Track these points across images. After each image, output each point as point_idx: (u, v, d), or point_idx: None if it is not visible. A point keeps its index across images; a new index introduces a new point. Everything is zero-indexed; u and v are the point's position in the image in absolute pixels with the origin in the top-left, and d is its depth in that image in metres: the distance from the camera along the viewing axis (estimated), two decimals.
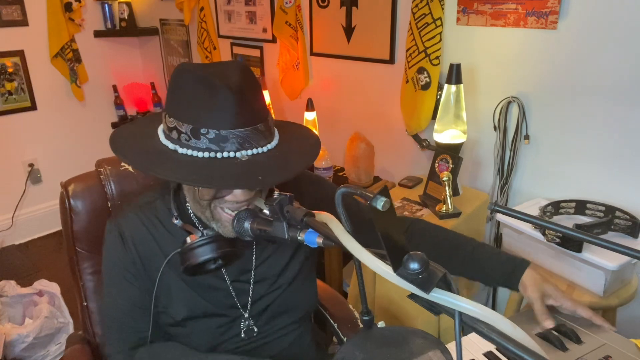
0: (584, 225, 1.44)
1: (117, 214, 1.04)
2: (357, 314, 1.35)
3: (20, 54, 3.13)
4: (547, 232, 1.44)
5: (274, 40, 2.69)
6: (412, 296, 0.55)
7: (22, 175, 3.30)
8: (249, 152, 0.84)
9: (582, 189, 1.67)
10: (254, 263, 1.06)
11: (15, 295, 2.27)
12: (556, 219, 1.59)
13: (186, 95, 0.85)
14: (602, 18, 1.49)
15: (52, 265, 3.02)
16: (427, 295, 0.53)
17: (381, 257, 0.56)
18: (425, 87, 1.94)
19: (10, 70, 3.10)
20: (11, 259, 3.11)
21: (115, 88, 3.65)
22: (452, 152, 1.74)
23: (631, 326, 1.62)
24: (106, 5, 3.47)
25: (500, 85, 1.79)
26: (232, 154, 0.83)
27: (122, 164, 1.25)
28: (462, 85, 1.69)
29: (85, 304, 1.25)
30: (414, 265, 0.52)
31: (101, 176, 1.22)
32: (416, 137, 2.08)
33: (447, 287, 0.54)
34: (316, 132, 2.27)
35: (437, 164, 1.77)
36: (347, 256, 2.25)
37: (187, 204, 1.00)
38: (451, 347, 0.69)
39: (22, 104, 3.20)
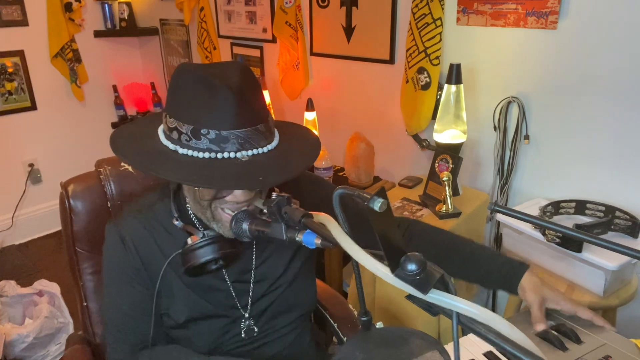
0: (584, 225, 1.44)
1: (117, 217, 1.04)
2: (357, 314, 1.34)
3: (20, 54, 3.13)
4: (547, 232, 1.44)
5: (274, 40, 2.69)
6: (410, 297, 0.55)
7: (22, 175, 3.30)
8: (250, 152, 0.84)
9: (582, 189, 1.66)
10: (254, 263, 1.06)
11: (15, 295, 2.27)
12: (556, 219, 1.59)
13: (186, 95, 0.85)
14: (602, 18, 1.49)
15: (52, 265, 3.02)
16: (424, 296, 0.52)
17: (379, 258, 0.56)
18: (425, 87, 1.94)
19: (10, 70, 3.10)
20: (11, 259, 3.11)
21: (115, 88, 3.66)
22: (452, 152, 1.74)
23: (631, 326, 1.62)
24: (106, 5, 3.47)
25: (500, 85, 1.79)
26: (232, 155, 0.83)
27: (122, 164, 1.25)
28: (462, 85, 1.69)
29: (85, 304, 1.25)
30: (412, 266, 0.52)
31: (101, 176, 1.22)
32: (416, 137, 2.08)
33: (445, 288, 0.54)
34: (316, 132, 2.27)
35: (437, 164, 1.77)
36: (347, 256, 2.24)
37: (187, 205, 1.00)
38: (450, 347, 0.69)
39: (22, 104, 3.20)
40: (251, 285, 1.06)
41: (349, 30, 2.28)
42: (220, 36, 3.05)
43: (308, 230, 0.71)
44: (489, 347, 0.95)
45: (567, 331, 0.93)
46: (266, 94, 2.51)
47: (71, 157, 3.46)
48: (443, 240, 1.10)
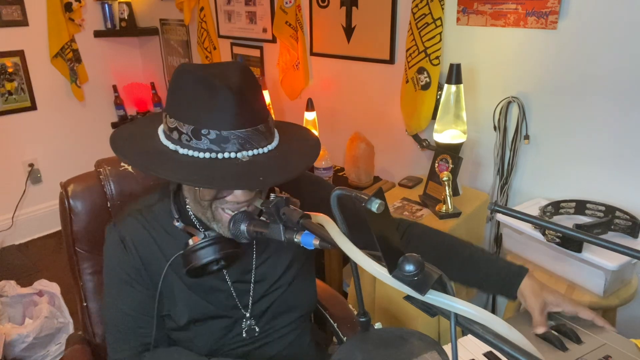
0: (584, 225, 1.44)
1: (117, 219, 1.04)
2: (357, 314, 1.34)
3: (20, 54, 3.13)
4: (547, 232, 1.44)
5: (274, 40, 2.69)
6: (408, 298, 0.55)
7: (22, 175, 3.31)
8: (250, 152, 0.84)
9: (582, 189, 1.66)
10: (254, 263, 1.06)
11: (15, 295, 2.27)
12: (556, 219, 1.59)
13: (187, 95, 0.85)
14: (602, 18, 1.49)
15: (52, 265, 3.02)
16: (422, 297, 0.52)
17: (377, 259, 0.56)
18: (425, 87, 1.94)
19: (10, 70, 3.10)
20: (11, 259, 3.12)
21: (115, 88, 3.66)
22: (452, 152, 1.74)
23: (631, 326, 1.62)
24: (106, 5, 3.47)
25: (500, 85, 1.79)
26: (233, 155, 0.83)
27: (122, 164, 1.25)
28: (462, 85, 1.69)
29: (85, 304, 1.25)
30: (409, 267, 0.52)
31: (101, 176, 1.22)
32: (416, 137, 2.08)
33: (443, 288, 0.53)
34: (316, 133, 2.27)
35: (437, 164, 1.77)
36: (347, 256, 2.25)
37: (188, 206, 1.00)
38: (450, 348, 0.69)
39: (22, 104, 3.21)
40: (252, 285, 1.06)
41: (349, 30, 2.28)
42: (220, 36, 3.05)
43: (306, 231, 0.71)
44: (489, 347, 0.95)
45: (568, 331, 0.93)
46: (266, 94, 2.51)
47: (71, 157, 3.46)
48: (442, 242, 1.09)
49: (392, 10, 2.06)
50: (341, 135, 2.46)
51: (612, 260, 1.32)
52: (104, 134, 3.46)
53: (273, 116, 2.63)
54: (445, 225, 1.62)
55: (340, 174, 2.34)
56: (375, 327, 0.71)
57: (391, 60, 2.14)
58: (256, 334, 1.08)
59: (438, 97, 1.94)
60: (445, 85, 1.70)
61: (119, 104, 3.69)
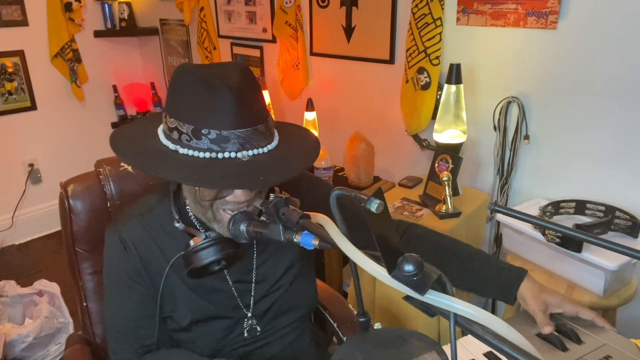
0: (584, 225, 1.44)
1: (117, 220, 1.03)
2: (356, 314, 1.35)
3: (20, 54, 3.13)
4: (547, 232, 1.44)
5: (274, 40, 2.69)
6: (408, 298, 0.55)
7: (22, 175, 3.31)
8: (250, 152, 0.84)
9: (582, 189, 1.66)
10: (254, 263, 1.06)
11: (15, 295, 2.27)
12: (556, 219, 1.59)
13: (187, 96, 0.85)
14: (602, 18, 1.49)
15: (52, 265, 3.02)
16: (421, 297, 0.52)
17: (376, 259, 0.56)
18: (425, 87, 1.94)
19: (10, 70, 3.10)
20: (11, 259, 3.12)
21: (115, 88, 3.66)
22: (452, 152, 1.74)
23: (631, 326, 1.62)
24: (106, 5, 3.47)
25: (500, 85, 1.79)
26: (233, 155, 0.83)
27: (122, 164, 1.25)
28: (462, 85, 1.69)
29: (85, 304, 1.25)
30: (409, 267, 0.52)
31: (100, 176, 1.22)
32: (416, 137, 2.08)
33: (442, 288, 0.53)
34: (316, 133, 2.27)
35: (437, 164, 1.77)
36: (347, 256, 2.24)
37: (187, 207, 1.00)
38: (449, 348, 0.68)
39: (22, 104, 3.21)
40: (253, 285, 1.06)
41: (349, 30, 2.28)
42: (220, 36, 3.05)
43: (306, 232, 0.71)
44: (489, 347, 0.95)
45: (568, 331, 0.93)
46: (266, 94, 2.51)
47: (71, 157, 3.46)
48: (441, 243, 1.09)
49: (392, 10, 2.06)
50: (341, 135, 2.46)
51: (612, 260, 1.32)
52: (104, 134, 3.46)
53: (273, 116, 2.63)
54: (445, 225, 1.62)
55: (340, 174, 2.34)
56: (375, 327, 0.71)
57: (391, 60, 2.14)
58: (257, 334, 1.08)
59: (438, 97, 1.94)
60: (445, 85, 1.70)
61: (119, 104, 3.69)
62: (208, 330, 1.04)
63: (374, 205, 0.50)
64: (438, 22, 1.85)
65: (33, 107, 3.26)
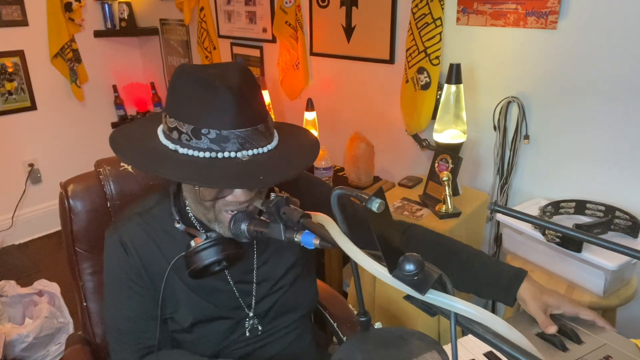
0: (583, 225, 1.44)
1: (116, 222, 1.03)
2: (357, 314, 1.34)
3: (20, 54, 3.13)
4: (547, 232, 1.44)
5: (274, 40, 2.69)
6: (408, 297, 0.55)
7: (22, 175, 3.31)
8: (250, 152, 0.84)
9: (582, 189, 1.66)
10: (255, 263, 1.06)
11: (15, 295, 2.27)
12: (556, 219, 1.59)
13: (187, 96, 0.85)
14: (602, 18, 1.49)
15: (52, 265, 3.02)
16: (422, 297, 0.52)
17: (377, 258, 0.56)
18: (425, 87, 1.94)
19: (10, 70, 3.10)
20: (11, 259, 3.12)
21: (115, 88, 3.66)
22: (452, 152, 1.74)
23: (631, 326, 1.62)
24: (106, 5, 3.47)
25: (500, 85, 1.79)
26: (232, 154, 0.83)
27: (122, 164, 1.25)
28: (462, 85, 1.69)
29: (85, 304, 1.25)
30: (410, 267, 0.52)
31: (100, 176, 1.22)
32: (416, 137, 2.08)
33: (443, 288, 0.53)
34: (316, 133, 2.27)
35: (437, 164, 1.77)
36: (347, 256, 2.24)
37: (188, 208, 1.00)
38: (450, 347, 0.68)
39: (22, 104, 3.21)
40: (254, 286, 1.06)
41: (349, 30, 2.28)
42: (220, 36, 3.05)
43: (307, 231, 0.71)
44: (489, 347, 0.95)
45: (568, 331, 0.93)
46: (266, 94, 2.51)
47: (71, 157, 3.46)
48: (441, 243, 1.09)
49: (392, 10, 2.06)
50: (341, 135, 2.47)
51: (612, 260, 1.32)
52: (104, 134, 3.45)
53: (273, 116, 2.63)
54: (445, 225, 1.62)
55: (340, 174, 2.34)
56: (376, 327, 0.71)
57: (391, 60, 2.14)
58: (259, 333, 1.08)
59: (438, 97, 1.94)
60: (445, 85, 1.70)
61: (119, 104, 3.69)
62: (209, 331, 1.04)
63: (375, 205, 0.50)
64: (438, 22, 1.85)
65: (33, 107, 3.26)
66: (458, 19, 1.84)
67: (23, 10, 3.08)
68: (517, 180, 1.84)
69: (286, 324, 1.12)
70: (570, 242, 1.38)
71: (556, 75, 1.63)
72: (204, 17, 2.97)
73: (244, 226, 0.84)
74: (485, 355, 0.94)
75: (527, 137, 1.74)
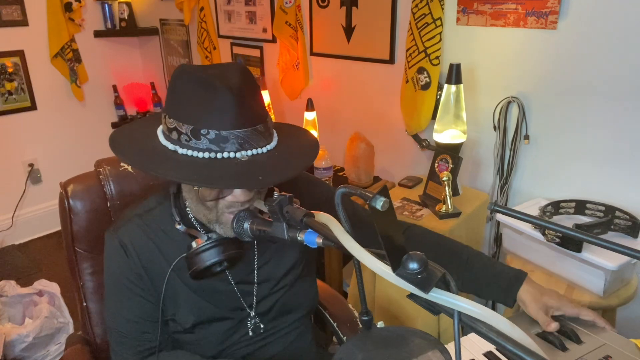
0: (583, 225, 1.44)
1: (116, 224, 1.03)
2: (356, 314, 1.35)
3: (20, 54, 3.13)
4: (547, 232, 1.44)
5: (274, 40, 2.69)
6: (412, 296, 0.55)
7: (22, 175, 3.30)
8: (249, 152, 0.84)
9: (582, 189, 1.67)
10: (256, 263, 1.06)
11: (15, 295, 2.27)
12: (556, 219, 1.59)
13: (186, 96, 0.85)
14: (602, 18, 1.49)
15: (52, 265, 3.02)
16: (426, 295, 0.52)
17: (380, 257, 0.56)
18: (425, 87, 1.94)
19: (10, 70, 3.10)
20: (11, 259, 3.11)
21: (115, 88, 3.66)
22: (452, 152, 1.74)
23: (631, 326, 1.62)
24: (106, 5, 3.47)
25: (500, 85, 1.79)
26: (232, 155, 0.83)
27: (122, 164, 1.25)
28: (462, 85, 1.69)
29: (85, 304, 1.25)
30: (413, 265, 0.52)
31: (100, 176, 1.22)
32: (416, 137, 2.08)
33: (446, 287, 0.53)
34: (316, 133, 2.27)
35: (437, 164, 1.77)
36: (347, 256, 2.25)
37: (188, 209, 1.00)
38: (451, 347, 0.69)
39: (22, 104, 3.20)
40: (255, 286, 1.06)
41: (349, 30, 2.28)
42: (220, 36, 3.05)
43: (309, 230, 0.71)
44: (489, 347, 0.95)
45: (568, 331, 0.93)
46: (266, 94, 2.51)
47: (71, 157, 3.46)
48: (441, 244, 1.10)
49: (392, 10, 2.06)
50: (341, 135, 2.47)
51: (612, 260, 1.32)
52: (104, 134, 3.45)
53: (273, 117, 2.63)
54: (445, 225, 1.62)
55: (340, 174, 2.34)
56: (378, 326, 0.71)
57: (391, 60, 2.14)
58: (261, 331, 1.08)
59: (438, 97, 1.94)
60: (445, 85, 1.70)
61: (119, 104, 3.69)
62: (210, 331, 1.04)
63: (380, 203, 0.50)
64: (438, 22, 1.85)
65: (33, 107, 3.26)
66: (458, 19, 1.84)
67: (23, 10, 3.08)
68: (517, 180, 1.84)
69: (286, 324, 1.12)
70: (570, 242, 1.39)
71: (556, 76, 1.64)
72: (204, 17, 2.97)
73: (247, 225, 0.84)
74: (485, 355, 0.94)
75: (527, 137, 1.74)
